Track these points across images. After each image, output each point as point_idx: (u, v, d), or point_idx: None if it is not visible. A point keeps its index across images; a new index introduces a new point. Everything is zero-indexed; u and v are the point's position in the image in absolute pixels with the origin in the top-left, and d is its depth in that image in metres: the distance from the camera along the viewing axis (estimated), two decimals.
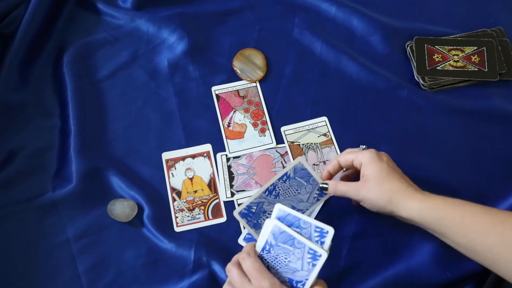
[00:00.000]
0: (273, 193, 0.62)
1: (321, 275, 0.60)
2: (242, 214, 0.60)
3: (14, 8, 0.76)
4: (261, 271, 0.48)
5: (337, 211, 0.65)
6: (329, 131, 0.71)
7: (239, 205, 0.63)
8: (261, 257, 0.52)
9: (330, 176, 0.61)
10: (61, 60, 0.76)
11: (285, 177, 0.62)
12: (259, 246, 0.52)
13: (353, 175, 0.63)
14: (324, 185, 0.59)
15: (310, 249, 0.50)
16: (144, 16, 0.79)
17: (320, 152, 0.69)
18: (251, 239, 0.62)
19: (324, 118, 0.72)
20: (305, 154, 0.69)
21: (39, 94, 0.74)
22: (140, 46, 0.78)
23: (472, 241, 0.49)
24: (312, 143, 0.70)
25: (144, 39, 0.78)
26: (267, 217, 0.60)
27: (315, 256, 0.50)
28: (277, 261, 0.51)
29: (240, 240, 0.63)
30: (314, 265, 0.50)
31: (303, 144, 0.70)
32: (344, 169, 0.63)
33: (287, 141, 0.70)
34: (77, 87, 0.73)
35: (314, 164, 0.68)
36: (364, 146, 0.64)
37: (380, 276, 0.60)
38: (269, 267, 0.51)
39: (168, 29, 0.78)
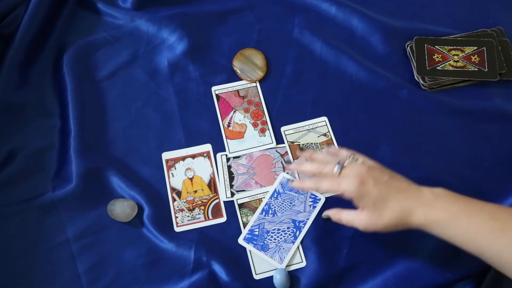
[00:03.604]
0: (270, 212, 0.64)
1: (321, 275, 0.61)
2: (247, 240, 0.62)
3: (14, 8, 0.76)
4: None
5: None
6: (329, 131, 0.71)
7: (244, 228, 0.64)
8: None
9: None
10: (61, 60, 0.76)
11: (275, 194, 0.65)
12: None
13: None
14: (326, 217, 0.59)
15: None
16: (144, 16, 0.79)
17: (320, 152, 0.69)
18: (251, 239, 0.62)
19: (324, 118, 0.72)
20: None
21: (39, 94, 0.74)
22: (140, 46, 0.78)
23: (480, 248, 0.48)
24: (312, 143, 0.70)
25: (144, 39, 0.78)
26: (271, 237, 0.62)
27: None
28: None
29: (240, 240, 0.63)
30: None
31: (303, 144, 0.70)
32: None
33: (287, 141, 0.70)
34: (77, 87, 0.73)
35: None
36: (341, 161, 0.57)
37: (380, 276, 0.60)
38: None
39: (168, 29, 0.78)
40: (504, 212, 0.49)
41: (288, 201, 0.65)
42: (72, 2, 0.80)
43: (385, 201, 0.52)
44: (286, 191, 0.64)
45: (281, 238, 0.62)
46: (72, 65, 0.75)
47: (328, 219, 0.59)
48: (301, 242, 0.63)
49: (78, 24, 0.80)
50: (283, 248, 0.62)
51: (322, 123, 0.72)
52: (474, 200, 0.51)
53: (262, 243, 0.62)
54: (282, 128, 0.71)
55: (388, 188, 0.52)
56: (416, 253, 0.61)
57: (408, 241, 0.62)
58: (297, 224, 0.63)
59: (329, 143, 0.70)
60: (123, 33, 0.79)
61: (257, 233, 0.62)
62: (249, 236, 0.63)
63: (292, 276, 0.61)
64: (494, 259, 0.48)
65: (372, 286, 0.60)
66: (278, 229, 0.63)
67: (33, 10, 0.75)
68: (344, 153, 0.58)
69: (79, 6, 0.81)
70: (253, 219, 0.64)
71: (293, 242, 0.62)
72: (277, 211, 0.64)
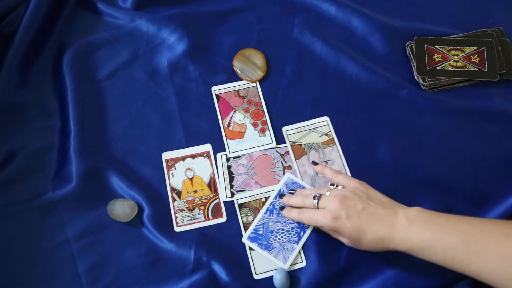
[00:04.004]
0: (274, 211, 0.64)
1: (321, 275, 0.61)
2: (251, 239, 0.62)
3: (14, 8, 0.76)
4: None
5: None
6: (330, 131, 0.71)
7: (245, 230, 0.64)
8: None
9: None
10: (61, 60, 0.75)
11: (280, 194, 0.65)
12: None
13: None
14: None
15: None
16: (144, 16, 0.79)
17: (322, 152, 0.69)
18: (255, 239, 0.62)
19: (326, 118, 0.72)
20: (307, 154, 0.69)
21: (39, 94, 0.74)
22: (140, 46, 0.78)
23: (460, 269, 0.50)
24: (313, 143, 0.70)
25: (144, 39, 0.78)
26: (276, 237, 0.62)
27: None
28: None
29: (245, 239, 0.63)
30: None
31: (304, 144, 0.70)
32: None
33: (289, 141, 0.70)
34: (77, 87, 0.73)
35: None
36: (316, 195, 0.59)
37: (380, 276, 0.60)
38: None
39: (168, 29, 0.78)
40: (477, 231, 0.50)
41: None
42: (72, 2, 0.80)
43: (360, 233, 0.54)
44: (290, 191, 0.64)
45: (285, 238, 0.62)
46: (72, 65, 0.75)
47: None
48: None
49: (78, 24, 0.80)
50: (287, 248, 0.62)
51: (323, 122, 0.71)
52: (448, 219, 0.52)
53: (266, 243, 0.62)
54: (284, 128, 0.71)
55: (360, 220, 0.54)
56: None
57: None
58: (302, 224, 0.63)
59: (330, 142, 0.70)
60: (123, 33, 0.79)
61: (261, 232, 0.62)
62: (253, 235, 0.63)
63: (292, 276, 0.61)
64: (475, 277, 0.49)
65: (372, 286, 0.60)
66: (283, 229, 0.63)
67: (33, 10, 0.75)
68: (328, 175, 0.63)
69: (79, 6, 0.81)
70: (257, 219, 0.64)
71: (297, 243, 0.62)
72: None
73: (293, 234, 0.63)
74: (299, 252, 0.62)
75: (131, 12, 0.80)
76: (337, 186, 0.61)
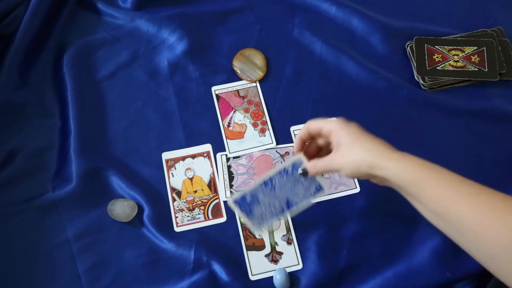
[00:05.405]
0: (269, 186, 0.62)
1: (321, 275, 0.61)
2: (236, 203, 0.60)
3: (14, 8, 0.76)
4: None
5: (337, 211, 0.65)
6: None
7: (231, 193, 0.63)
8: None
9: (303, 144, 0.59)
10: (61, 60, 0.76)
11: (283, 172, 0.62)
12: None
13: (316, 149, 0.61)
14: (304, 170, 0.58)
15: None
16: (144, 16, 0.79)
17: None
18: (240, 203, 0.60)
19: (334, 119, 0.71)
20: None
21: (39, 94, 0.74)
22: (140, 46, 0.78)
23: (444, 208, 0.47)
24: None
25: (144, 39, 0.78)
26: (260, 208, 0.60)
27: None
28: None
29: (230, 201, 0.60)
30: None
31: None
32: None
33: None
34: (77, 87, 0.73)
35: None
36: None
37: (380, 276, 0.60)
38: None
39: (168, 29, 0.78)
40: (472, 181, 0.49)
41: (292, 183, 0.62)
42: (72, 2, 0.80)
43: (360, 137, 0.53)
44: (294, 174, 0.62)
45: (268, 211, 0.60)
46: (72, 65, 0.75)
47: (305, 173, 0.58)
48: (301, 243, 0.63)
49: (78, 24, 0.80)
50: (266, 219, 0.60)
51: None
52: (445, 168, 0.51)
53: (248, 209, 0.60)
54: (292, 128, 0.71)
55: (367, 133, 0.54)
56: (416, 253, 0.61)
57: (408, 241, 0.63)
58: (290, 205, 0.61)
59: None
60: (123, 33, 0.79)
61: (248, 200, 0.60)
62: (240, 201, 0.60)
63: (292, 276, 0.61)
64: (455, 223, 0.46)
65: (372, 286, 0.60)
66: (269, 204, 0.61)
67: (33, 10, 0.75)
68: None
69: (79, 6, 0.81)
70: (251, 186, 0.61)
71: (277, 215, 0.60)
72: (277, 188, 0.62)
73: (278, 210, 0.61)
74: (296, 254, 0.62)
75: (131, 12, 0.80)
76: None
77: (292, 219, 0.65)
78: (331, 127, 0.55)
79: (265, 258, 0.63)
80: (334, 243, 0.62)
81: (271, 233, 0.64)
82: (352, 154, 0.52)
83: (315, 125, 0.56)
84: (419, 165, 0.51)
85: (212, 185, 0.68)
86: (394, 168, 0.50)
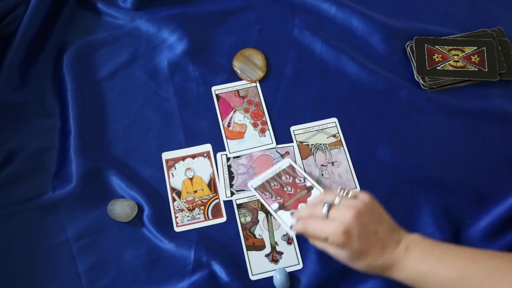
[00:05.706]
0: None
1: (321, 275, 0.61)
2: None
3: (14, 8, 0.76)
4: None
5: None
6: (338, 133, 0.71)
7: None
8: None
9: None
10: (61, 60, 0.76)
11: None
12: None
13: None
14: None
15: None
16: (144, 16, 0.79)
17: (329, 153, 0.69)
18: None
19: (334, 119, 0.72)
20: (313, 155, 0.69)
21: (39, 94, 0.74)
22: (140, 46, 0.78)
23: None
24: (321, 144, 0.70)
25: (144, 39, 0.78)
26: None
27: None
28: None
29: (251, 184, 0.63)
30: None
31: (311, 145, 0.70)
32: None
33: (296, 141, 0.70)
34: (77, 87, 0.73)
35: (322, 165, 0.68)
36: (328, 201, 0.54)
37: (380, 276, 0.60)
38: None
39: (168, 29, 0.78)
40: (473, 266, 0.49)
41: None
42: (72, 2, 0.80)
43: (361, 256, 0.52)
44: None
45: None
46: (72, 65, 0.75)
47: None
48: (301, 243, 0.63)
49: (78, 24, 0.80)
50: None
51: (332, 124, 0.71)
52: (445, 251, 0.51)
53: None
54: (292, 128, 0.71)
55: (369, 243, 0.51)
56: None
57: None
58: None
59: (338, 144, 0.70)
60: (123, 33, 0.79)
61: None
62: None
63: (292, 276, 0.61)
64: None
65: (372, 286, 0.60)
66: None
67: (33, 10, 0.75)
68: (335, 191, 0.56)
69: (79, 6, 0.81)
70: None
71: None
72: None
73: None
74: (296, 254, 0.62)
75: (131, 12, 0.80)
76: (347, 193, 0.55)
77: None
78: (331, 243, 0.52)
79: (265, 258, 0.63)
80: None
81: (271, 233, 0.64)
82: (355, 267, 0.54)
83: (316, 233, 0.54)
84: (417, 265, 0.50)
85: (212, 185, 0.68)
86: (397, 278, 0.52)
